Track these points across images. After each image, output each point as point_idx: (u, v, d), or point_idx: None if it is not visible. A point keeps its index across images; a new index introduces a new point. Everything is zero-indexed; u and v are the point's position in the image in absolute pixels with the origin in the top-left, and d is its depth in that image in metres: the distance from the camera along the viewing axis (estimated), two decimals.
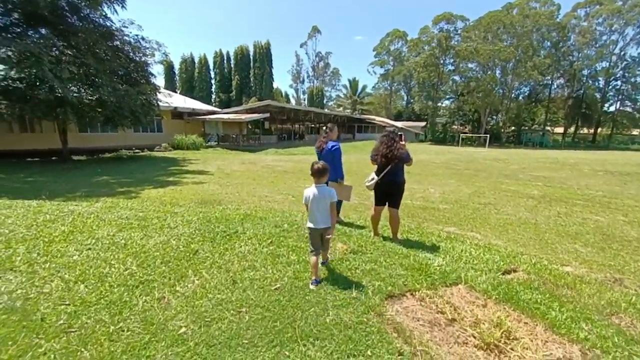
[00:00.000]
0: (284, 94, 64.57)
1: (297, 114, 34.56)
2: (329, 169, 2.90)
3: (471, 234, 4.82)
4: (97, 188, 7.97)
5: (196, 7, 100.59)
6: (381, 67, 56.89)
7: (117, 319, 2.14)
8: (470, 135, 43.94)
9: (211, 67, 51.77)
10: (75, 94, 11.33)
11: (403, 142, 3.93)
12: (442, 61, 45.53)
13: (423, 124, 49.11)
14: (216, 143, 25.28)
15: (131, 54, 14.06)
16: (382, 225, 4.33)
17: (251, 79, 51.37)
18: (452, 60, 45.87)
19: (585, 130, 50.34)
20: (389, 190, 3.91)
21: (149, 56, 14.83)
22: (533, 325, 2.22)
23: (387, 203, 3.99)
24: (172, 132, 21.65)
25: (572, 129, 49.45)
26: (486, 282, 2.85)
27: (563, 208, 6.75)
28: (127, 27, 13.72)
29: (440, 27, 45.34)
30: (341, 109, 63.55)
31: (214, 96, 52.18)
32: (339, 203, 4.66)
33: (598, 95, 43.98)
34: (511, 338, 2.05)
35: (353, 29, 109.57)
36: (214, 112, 25.90)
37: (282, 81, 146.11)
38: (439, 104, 50.06)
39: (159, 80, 19.52)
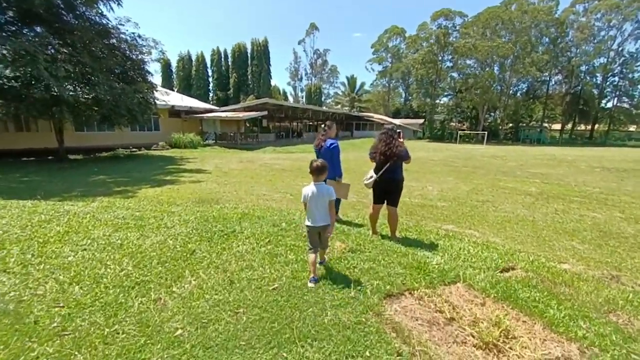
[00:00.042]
0: (281, 92, 64.39)
1: (295, 111, 34.47)
2: (328, 167, 2.90)
3: (469, 232, 4.82)
4: (93, 187, 7.91)
5: (193, 5, 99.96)
6: (379, 64, 56.75)
7: (112, 321, 2.11)
8: (468, 132, 43.98)
9: (209, 65, 51.48)
10: (71, 93, 11.22)
11: (401, 140, 3.90)
12: (440, 58, 45.45)
13: (421, 121, 49.12)
14: (214, 141, 25.19)
15: (127, 52, 13.95)
16: (380, 224, 4.31)
17: (249, 77, 51.14)
18: (450, 57, 45.81)
19: (583, 127, 50.44)
20: (387, 188, 3.89)
21: (145, 54, 14.72)
22: (531, 324, 2.22)
23: (385, 201, 3.97)
24: (170, 130, 21.55)
25: (569, 126, 49.57)
26: (484, 280, 2.84)
27: (560, 205, 6.76)
28: (123, 25, 13.61)
29: (439, 23, 45.20)
30: (339, 106, 63.43)
31: (211, 94, 51.92)
32: (338, 201, 4.64)
33: (595, 92, 44.06)
34: (510, 337, 2.04)
35: (351, 26, 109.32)
36: (211, 110, 25.78)
37: (280, 79, 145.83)
38: (437, 101, 50.02)
39: (156, 79, 19.45)
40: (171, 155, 17.26)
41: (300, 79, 64.44)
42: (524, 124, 48.74)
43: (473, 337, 2.06)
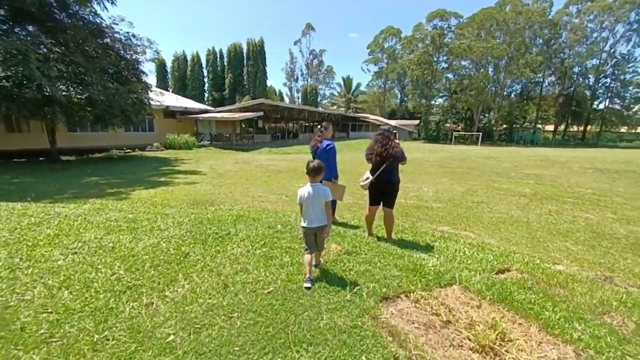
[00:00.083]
0: (277, 93, 64.24)
1: (291, 112, 34.43)
2: (325, 168, 2.89)
3: (464, 233, 4.83)
4: (85, 189, 7.81)
5: (189, 5, 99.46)
6: (375, 64, 56.95)
7: (102, 327, 2.06)
8: (463, 133, 44.29)
9: (204, 65, 51.19)
10: (63, 93, 11.09)
11: (397, 141, 3.90)
12: (435, 59, 45.71)
13: (416, 122, 49.34)
14: (209, 142, 25.05)
15: (122, 51, 13.82)
16: (376, 225, 4.30)
17: (244, 77, 50.95)
18: (445, 58, 46.10)
19: (575, 128, 51.02)
20: (383, 190, 3.88)
21: (140, 54, 14.59)
22: (527, 326, 2.21)
23: (381, 202, 3.95)
24: (164, 131, 21.37)
25: (562, 127, 50.08)
26: (480, 282, 2.83)
27: (554, 206, 6.81)
28: (117, 24, 13.49)
29: (434, 24, 45.48)
30: (335, 107, 63.49)
31: (206, 95, 51.65)
32: (333, 203, 4.62)
33: (588, 93, 44.58)
34: (506, 340, 2.03)
35: (347, 27, 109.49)
36: (206, 111, 25.64)
37: (275, 79, 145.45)
38: (433, 102, 50.31)
39: (151, 79, 19.24)
40: (166, 156, 17.11)
41: (296, 80, 64.42)
42: (518, 125, 49.19)
43: (469, 340, 2.04)
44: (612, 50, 41.90)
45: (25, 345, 1.86)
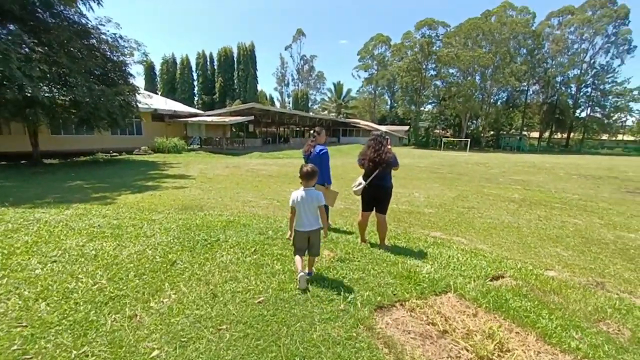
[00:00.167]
0: (268, 97, 64.19)
1: (282, 117, 34.33)
2: (318, 172, 2.90)
3: (457, 239, 4.82)
4: (69, 194, 7.52)
5: (178, 8, 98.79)
6: (365, 71, 57.55)
7: (80, 342, 1.93)
8: (452, 139, 45.05)
9: (194, 68, 50.82)
10: (46, 94, 10.74)
11: (389, 146, 3.87)
12: (424, 66, 46.54)
13: (406, 128, 49.96)
14: (199, 146, 24.70)
15: (108, 53, 13.49)
16: (368, 231, 4.25)
17: (235, 81, 50.75)
18: (434, 66, 47.04)
19: (559, 135, 52.61)
20: (376, 195, 3.83)
21: (127, 56, 14.29)
22: (525, 335, 2.17)
23: (374, 208, 3.91)
24: (153, 134, 20.95)
25: (547, 134, 51.59)
26: (475, 289, 2.80)
27: (543, 211, 6.90)
28: (104, 25, 13.17)
29: (423, 32, 46.41)
30: (326, 112, 63.75)
31: (196, 98, 51.18)
32: (325, 208, 4.55)
33: (570, 102, 46.14)
34: (504, 350, 1.99)
35: (338, 33, 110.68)
36: (196, 115, 25.33)
37: (266, 84, 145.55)
38: (422, 109, 51.12)
39: (139, 81, 18.94)
40: (154, 160, 16.75)
41: (287, 85, 64.53)
42: (505, 132, 50.41)
43: (467, 350, 1.99)
44: (592, 61, 43.58)
45: None
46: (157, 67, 49.82)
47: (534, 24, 44.03)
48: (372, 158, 3.74)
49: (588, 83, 44.64)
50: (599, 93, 44.23)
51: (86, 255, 3.18)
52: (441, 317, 2.34)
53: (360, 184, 3.85)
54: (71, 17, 12.21)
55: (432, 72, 47.79)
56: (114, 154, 18.47)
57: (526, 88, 47.18)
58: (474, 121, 49.56)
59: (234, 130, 29.42)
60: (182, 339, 1.98)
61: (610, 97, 43.68)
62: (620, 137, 51.90)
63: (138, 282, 2.70)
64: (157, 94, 38.93)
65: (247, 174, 11.79)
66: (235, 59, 50.96)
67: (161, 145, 19.99)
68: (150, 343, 1.95)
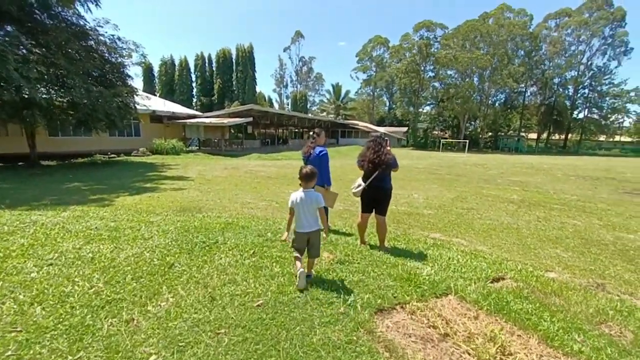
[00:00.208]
0: (267, 99, 64.20)
1: (280, 118, 34.33)
2: (317, 174, 2.89)
3: (456, 240, 4.80)
4: (66, 195, 7.47)
5: (177, 9, 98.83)
6: (364, 72, 57.71)
7: (76, 347, 1.89)
8: (450, 140, 45.18)
9: (192, 70, 50.78)
10: (44, 96, 10.69)
11: (388, 148, 3.85)
12: (422, 68, 46.70)
13: (405, 129, 50.07)
14: (197, 148, 24.66)
15: (106, 54, 13.48)
16: (368, 233, 4.23)
17: (234, 83, 50.73)
18: (432, 67, 47.19)
19: (557, 136, 52.85)
20: (376, 197, 3.81)
21: (125, 57, 14.28)
22: (526, 338, 2.15)
23: (374, 210, 3.89)
24: (151, 136, 20.90)
25: (544, 135, 51.80)
26: (476, 291, 2.78)
27: (542, 212, 6.90)
28: (102, 27, 13.16)
29: (421, 34, 46.58)
30: (325, 114, 63.78)
31: (195, 100, 51.10)
32: (325, 210, 4.53)
33: (568, 103, 46.36)
34: (506, 353, 1.96)
35: (336, 35, 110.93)
36: (195, 116, 25.28)
37: (265, 85, 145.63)
38: (420, 110, 51.27)
39: (137, 83, 18.93)
40: (152, 161, 16.69)
41: (286, 86, 64.62)
42: (503, 133, 50.56)
43: (469, 354, 1.96)
44: (589, 63, 43.84)
45: None
46: (156, 69, 49.77)
47: (531, 26, 44.30)
48: (371, 159, 3.72)
49: (585, 84, 44.89)
50: (596, 94, 44.49)
51: (83, 258, 3.14)
52: (442, 320, 2.32)
53: (359, 185, 3.83)
54: (69, 18, 12.19)
55: (431, 74, 47.97)
56: (112, 155, 18.40)
57: (524, 89, 47.40)
58: (472, 122, 49.72)
59: (233, 131, 29.42)
60: (180, 344, 1.95)
61: (607, 99, 43.93)
62: (617, 138, 52.22)
63: (135, 285, 2.66)
64: (155, 95, 38.87)
65: (246, 176, 11.76)
66: (233, 61, 50.96)
67: (159, 146, 19.93)
68: (147, 348, 1.91)
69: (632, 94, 42.16)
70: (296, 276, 2.69)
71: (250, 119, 25.91)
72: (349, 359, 1.86)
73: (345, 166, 15.30)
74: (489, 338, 2.09)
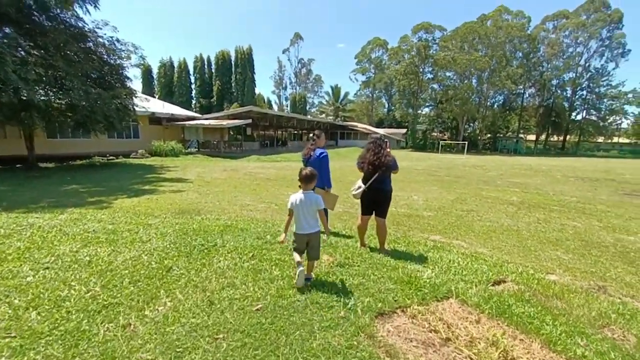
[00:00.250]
0: (266, 100, 64.19)
1: (279, 120, 34.33)
2: (317, 176, 2.88)
3: (457, 242, 4.78)
4: (64, 198, 7.43)
5: (176, 12, 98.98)
6: (363, 74, 57.81)
7: (72, 353, 1.85)
8: (449, 142, 45.26)
9: (191, 71, 50.74)
10: (42, 97, 10.66)
11: (388, 150, 3.83)
12: (421, 69, 46.83)
13: (404, 131, 50.12)
14: (196, 149, 24.62)
15: (105, 56, 13.48)
16: (368, 235, 4.20)
17: (233, 85, 50.72)
18: (431, 69, 47.33)
19: (556, 138, 52.99)
20: (376, 199, 3.79)
21: (124, 59, 14.28)
22: (529, 342, 2.12)
23: (374, 212, 3.86)
24: (150, 138, 20.87)
25: (543, 137, 51.93)
26: (477, 294, 2.75)
27: (542, 214, 6.89)
28: (101, 29, 13.17)
29: (419, 36, 46.75)
30: (324, 115, 63.85)
31: (194, 102, 51.06)
32: (325, 212, 4.50)
33: (566, 105, 46.53)
34: (509, 358, 1.94)
35: (335, 37, 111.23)
36: (194, 118, 25.26)
37: (264, 87, 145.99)
38: (419, 112, 51.37)
39: (136, 85, 18.90)
40: (151, 163, 16.65)
41: (285, 88, 64.66)
42: (501, 135, 50.67)
43: (472, 359, 1.94)
44: (587, 65, 44.05)
45: None
46: (155, 71, 49.72)
47: (529, 28, 44.48)
48: (371, 161, 3.70)
49: (583, 86, 45.08)
50: (594, 96, 44.67)
51: (80, 262, 3.10)
52: (443, 324, 2.29)
53: (359, 187, 3.81)
54: (68, 20, 12.18)
55: (429, 76, 48.11)
56: (111, 157, 18.36)
57: (522, 91, 47.56)
58: (471, 124, 49.81)
59: (232, 133, 29.41)
60: (178, 349, 1.92)
61: (605, 100, 44.12)
62: (615, 139, 52.40)
63: (133, 289, 2.63)
64: (154, 97, 38.86)
65: (245, 178, 11.72)
66: (233, 63, 50.98)
67: (158, 148, 19.90)
68: (145, 354, 1.88)
69: (630, 95, 42.39)
70: (296, 275, 2.67)
71: (249, 120, 25.91)
72: None
73: (345, 168, 15.28)
74: (491, 342, 2.06)
